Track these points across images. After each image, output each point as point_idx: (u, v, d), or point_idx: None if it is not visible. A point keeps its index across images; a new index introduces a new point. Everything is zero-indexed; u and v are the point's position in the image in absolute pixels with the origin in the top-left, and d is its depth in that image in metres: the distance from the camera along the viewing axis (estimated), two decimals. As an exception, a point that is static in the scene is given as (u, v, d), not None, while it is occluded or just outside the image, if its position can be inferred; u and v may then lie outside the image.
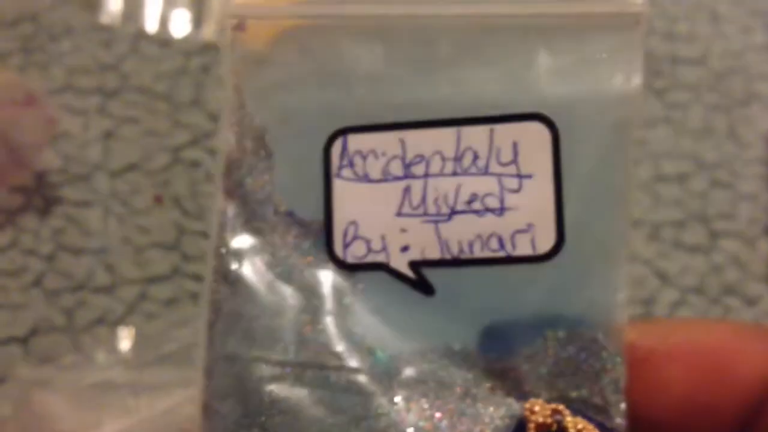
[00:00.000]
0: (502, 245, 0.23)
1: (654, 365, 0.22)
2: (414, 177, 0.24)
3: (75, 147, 0.39)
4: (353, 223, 0.24)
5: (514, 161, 0.24)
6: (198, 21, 0.43)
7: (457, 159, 0.24)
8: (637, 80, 0.23)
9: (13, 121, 0.37)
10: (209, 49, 0.42)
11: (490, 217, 0.24)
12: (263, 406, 0.22)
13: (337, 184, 0.24)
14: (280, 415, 0.22)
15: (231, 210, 0.24)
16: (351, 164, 0.24)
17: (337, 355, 0.23)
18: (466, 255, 0.24)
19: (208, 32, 0.42)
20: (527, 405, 0.22)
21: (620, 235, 0.23)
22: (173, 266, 0.37)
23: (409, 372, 0.23)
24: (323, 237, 0.24)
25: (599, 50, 0.24)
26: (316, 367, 0.23)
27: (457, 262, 0.24)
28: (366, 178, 0.24)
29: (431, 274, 0.24)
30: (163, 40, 0.42)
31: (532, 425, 0.22)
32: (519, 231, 0.23)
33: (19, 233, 0.37)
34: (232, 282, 0.23)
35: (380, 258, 0.24)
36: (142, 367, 0.34)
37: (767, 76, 0.42)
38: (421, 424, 0.22)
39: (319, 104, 0.24)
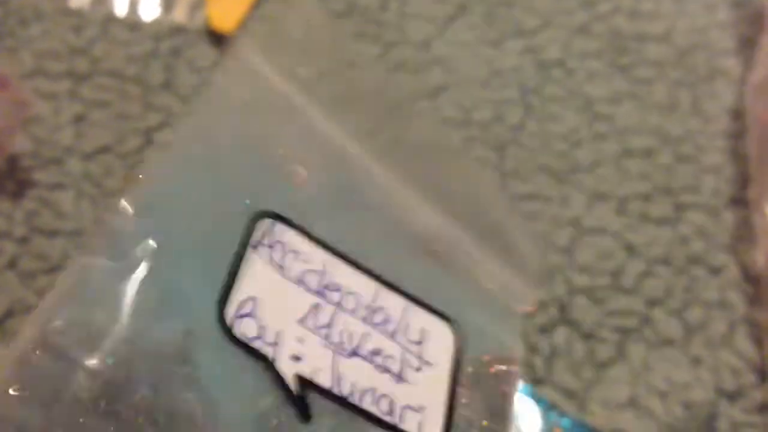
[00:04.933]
0: (391, 412, 0.22)
1: None
2: (326, 300, 0.22)
3: (47, 131, 0.39)
4: (253, 299, 0.21)
5: (420, 344, 0.23)
6: (167, 4, 0.43)
7: (371, 309, 0.23)
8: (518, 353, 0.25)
9: (-17, 106, 0.37)
10: (179, 32, 0.42)
11: (388, 378, 0.22)
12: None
13: (253, 257, 0.22)
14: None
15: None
16: (271, 248, 0.22)
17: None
18: (356, 401, 0.21)
19: (178, 15, 0.43)
20: None
21: None
22: (147, 247, 0.38)
23: None
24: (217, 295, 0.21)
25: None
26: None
27: (344, 403, 0.21)
28: (281, 270, 0.22)
29: (315, 400, 0.21)
30: (132, 23, 0.42)
31: None
32: (410, 407, 0.22)
33: (-8, 217, 0.37)
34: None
35: (269, 352, 0.21)
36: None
37: (730, 52, 0.43)
38: None
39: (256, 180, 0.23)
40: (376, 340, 0.22)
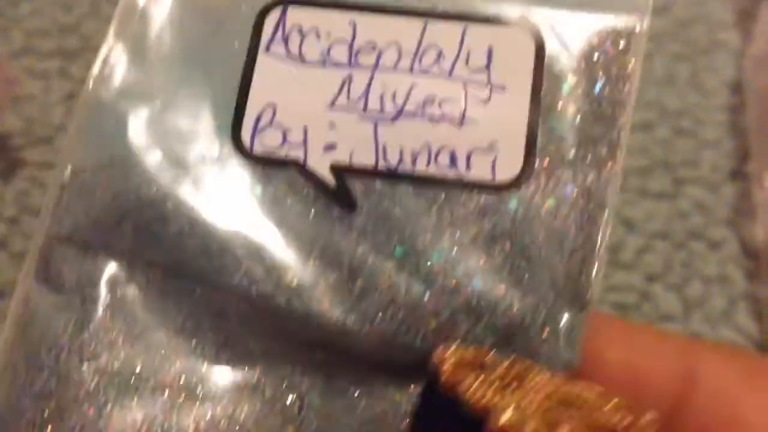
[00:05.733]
0: (454, 162, 0.20)
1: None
2: (359, 66, 0.20)
3: (37, 109, 0.39)
4: (271, 106, 0.20)
5: (487, 68, 0.20)
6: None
7: (418, 54, 0.20)
8: (639, 22, 0.21)
9: (-28, 85, 0.37)
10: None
11: (445, 126, 0.20)
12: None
13: (262, 60, 0.21)
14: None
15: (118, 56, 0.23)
16: (285, 40, 0.21)
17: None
18: (407, 168, 0.20)
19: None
20: (435, 357, 0.18)
21: (607, 182, 0.20)
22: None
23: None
24: (229, 118, 0.20)
25: None
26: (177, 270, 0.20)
27: (393, 175, 0.19)
28: (300, 59, 0.21)
29: (357, 185, 0.20)
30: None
31: (447, 373, 0.18)
32: (478, 149, 0.20)
33: (-18, 197, 0.37)
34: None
35: (296, 154, 0.20)
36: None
37: (729, 24, 0.43)
38: None
39: None
40: (428, 87, 0.20)
